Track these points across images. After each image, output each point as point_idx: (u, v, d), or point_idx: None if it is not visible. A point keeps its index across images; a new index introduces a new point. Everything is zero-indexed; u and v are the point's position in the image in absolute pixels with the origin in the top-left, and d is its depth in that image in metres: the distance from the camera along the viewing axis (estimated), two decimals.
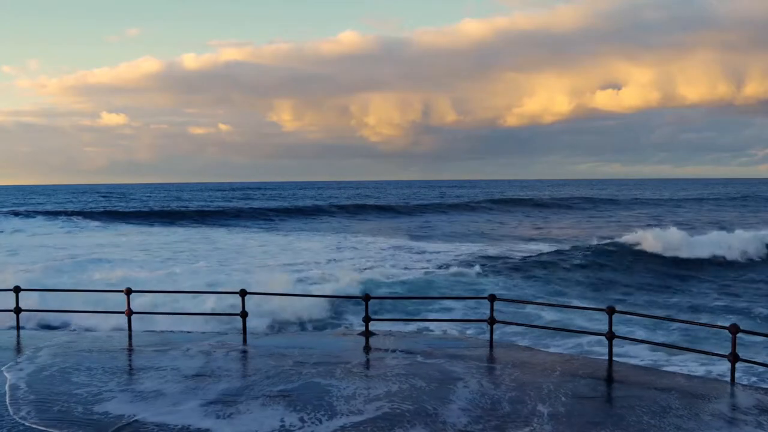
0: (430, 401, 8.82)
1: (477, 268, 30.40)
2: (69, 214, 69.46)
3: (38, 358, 11.25)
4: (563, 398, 8.91)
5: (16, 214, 68.72)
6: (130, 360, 11.45)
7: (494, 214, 79.15)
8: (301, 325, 19.74)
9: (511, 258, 35.19)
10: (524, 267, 31.75)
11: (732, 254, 34.37)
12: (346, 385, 9.58)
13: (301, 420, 8.15)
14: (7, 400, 8.98)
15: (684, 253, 34.07)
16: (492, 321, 12.50)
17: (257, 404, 8.78)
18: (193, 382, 9.77)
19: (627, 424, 7.95)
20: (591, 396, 9.18)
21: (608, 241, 38.43)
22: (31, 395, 9.17)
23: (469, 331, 17.46)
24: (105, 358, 11.29)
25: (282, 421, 8.12)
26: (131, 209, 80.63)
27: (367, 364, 10.95)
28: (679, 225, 47.09)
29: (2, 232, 52.90)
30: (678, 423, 8.01)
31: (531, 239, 47.70)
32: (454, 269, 30.37)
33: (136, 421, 8.11)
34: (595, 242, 38.51)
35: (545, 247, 39.61)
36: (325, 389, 9.41)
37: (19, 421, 8.18)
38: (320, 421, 8.10)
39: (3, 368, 10.63)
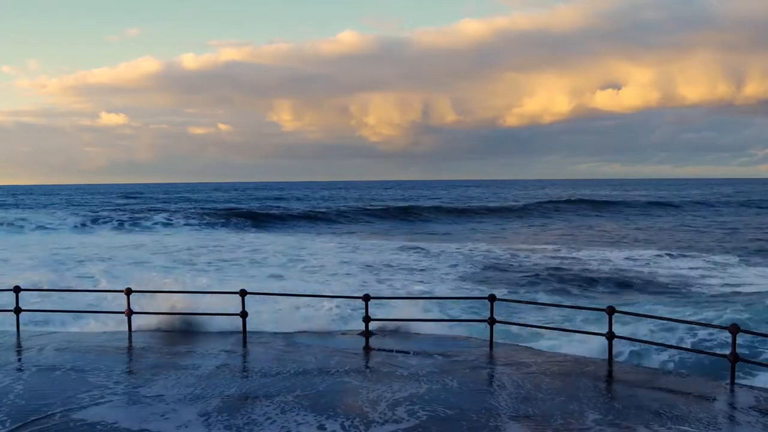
0: (465, 404, 8.74)
1: None
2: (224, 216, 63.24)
3: (38, 360, 11.23)
4: (603, 402, 8.85)
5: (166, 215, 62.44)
6: (130, 361, 11.45)
7: (626, 220, 67.02)
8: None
9: None
10: None
11: None
12: (371, 387, 9.50)
13: (343, 427, 7.83)
14: None
15: None
16: (492, 321, 12.51)
17: (277, 409, 8.49)
18: (201, 385, 9.61)
19: (635, 425, 7.96)
20: (612, 397, 9.19)
21: None
22: (21, 400, 8.94)
23: (463, 331, 17.43)
24: (104, 360, 11.27)
25: (322, 429, 7.82)
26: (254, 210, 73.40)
27: (379, 365, 10.88)
28: None
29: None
30: (681, 425, 8.01)
31: None
32: None
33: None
34: None
35: None
36: (349, 391, 9.34)
37: None
38: (359, 430, 7.81)
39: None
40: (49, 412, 8.38)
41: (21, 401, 8.89)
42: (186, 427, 7.88)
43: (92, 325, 15.44)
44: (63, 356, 11.41)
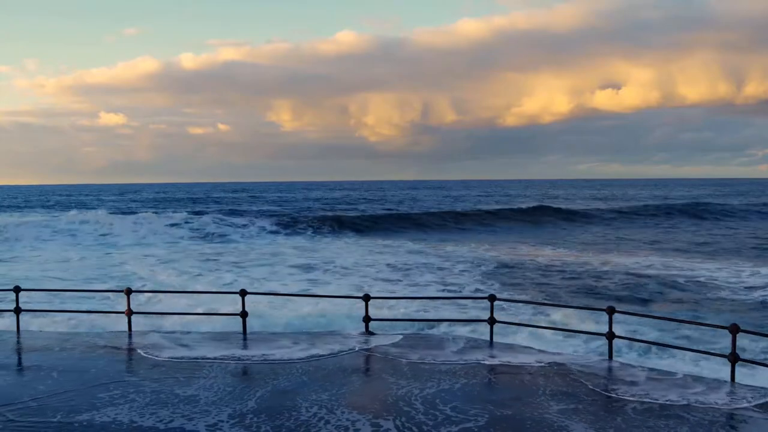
0: (510, 402, 8.78)
1: None
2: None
3: (46, 360, 11.21)
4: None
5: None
6: (130, 361, 11.42)
7: None
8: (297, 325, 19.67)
9: None
10: None
11: None
12: (401, 384, 9.50)
13: (398, 429, 7.74)
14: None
15: None
16: (492, 321, 12.51)
17: (323, 412, 8.34)
18: (233, 385, 9.57)
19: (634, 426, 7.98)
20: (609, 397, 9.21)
21: None
22: (33, 402, 8.84)
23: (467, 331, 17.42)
24: (110, 360, 11.25)
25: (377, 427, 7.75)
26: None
27: (390, 365, 10.79)
28: None
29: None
30: (681, 424, 8.02)
31: None
32: None
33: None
34: None
35: None
36: (378, 391, 9.29)
37: None
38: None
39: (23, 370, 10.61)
40: (67, 413, 8.35)
41: (32, 403, 8.81)
42: (227, 428, 7.82)
43: (95, 325, 15.44)
44: (66, 356, 11.40)
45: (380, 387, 9.57)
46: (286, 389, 9.36)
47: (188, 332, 13.64)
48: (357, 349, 11.84)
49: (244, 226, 51.83)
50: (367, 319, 13.01)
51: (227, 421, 8.01)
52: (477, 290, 24.12)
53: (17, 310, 13.64)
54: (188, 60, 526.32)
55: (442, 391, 9.20)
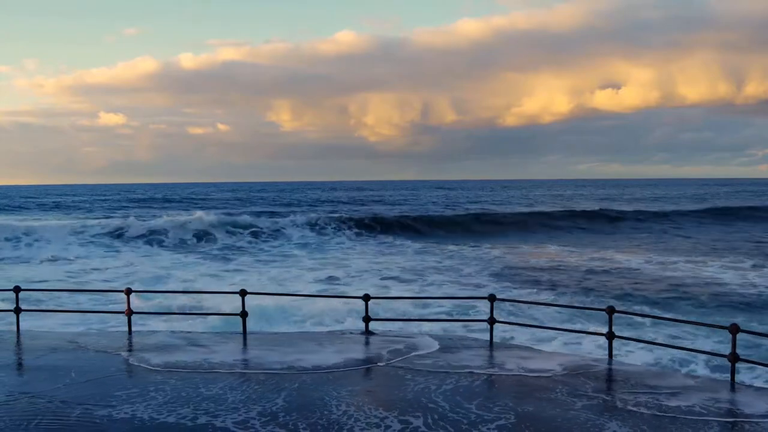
0: (534, 401, 8.75)
1: None
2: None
3: (57, 360, 11.22)
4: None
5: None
6: (129, 362, 11.43)
7: None
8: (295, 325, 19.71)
9: None
10: None
11: None
12: (415, 383, 9.51)
13: (429, 426, 7.71)
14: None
15: None
16: (492, 321, 12.51)
17: (352, 409, 8.32)
18: (253, 384, 9.56)
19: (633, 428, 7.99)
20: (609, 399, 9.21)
21: None
22: (47, 402, 8.78)
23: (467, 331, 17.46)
24: (113, 361, 11.25)
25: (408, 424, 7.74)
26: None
27: (397, 367, 10.72)
28: None
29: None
30: (683, 424, 8.03)
31: None
32: None
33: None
34: None
35: None
36: (397, 388, 9.30)
37: None
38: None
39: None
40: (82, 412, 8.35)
41: (49, 403, 8.75)
42: (260, 427, 7.80)
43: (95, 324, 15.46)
44: (68, 356, 11.41)
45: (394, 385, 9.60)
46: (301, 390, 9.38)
47: (188, 332, 13.66)
48: (362, 358, 11.85)
49: (249, 226, 52.16)
50: (367, 318, 13.02)
51: (257, 419, 8.03)
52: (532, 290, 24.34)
53: (17, 310, 13.63)
54: (188, 60, 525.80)
55: (449, 392, 9.16)
